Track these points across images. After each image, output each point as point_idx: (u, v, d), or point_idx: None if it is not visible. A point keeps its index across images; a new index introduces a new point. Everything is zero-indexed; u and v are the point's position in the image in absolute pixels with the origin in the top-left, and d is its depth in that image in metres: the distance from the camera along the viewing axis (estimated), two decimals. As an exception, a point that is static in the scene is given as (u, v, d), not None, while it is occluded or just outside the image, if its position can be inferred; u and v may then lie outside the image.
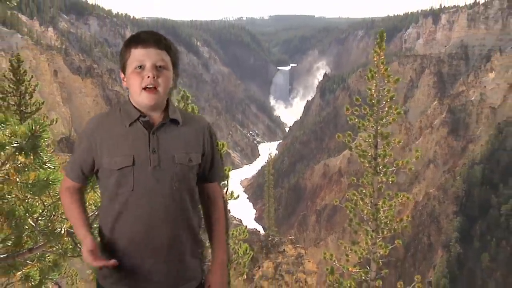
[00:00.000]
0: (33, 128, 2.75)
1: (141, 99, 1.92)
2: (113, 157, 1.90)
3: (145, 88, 1.90)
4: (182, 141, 1.98)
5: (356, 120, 14.65)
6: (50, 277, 3.59)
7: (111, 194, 1.94)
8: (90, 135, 1.96)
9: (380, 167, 14.33)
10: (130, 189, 1.90)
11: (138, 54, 1.90)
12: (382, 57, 14.67)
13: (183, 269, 1.99)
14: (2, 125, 2.82)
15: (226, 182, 13.63)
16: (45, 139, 2.80)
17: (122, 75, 1.99)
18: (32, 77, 16.04)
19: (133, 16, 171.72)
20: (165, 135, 1.95)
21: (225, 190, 13.45)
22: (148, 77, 1.89)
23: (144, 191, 1.90)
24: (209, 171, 2.12)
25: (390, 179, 14.29)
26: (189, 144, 2.00)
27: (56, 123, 18.11)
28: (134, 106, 1.96)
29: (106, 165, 1.92)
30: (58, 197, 3.02)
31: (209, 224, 2.16)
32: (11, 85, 15.11)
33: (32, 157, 2.82)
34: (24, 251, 3.27)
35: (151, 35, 1.93)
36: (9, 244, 3.24)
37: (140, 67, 1.90)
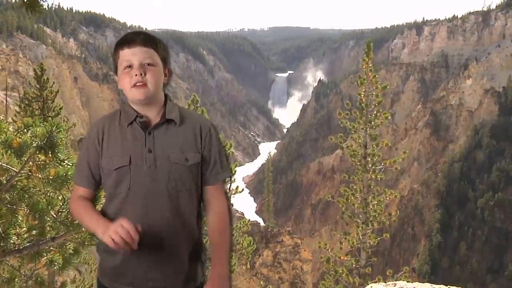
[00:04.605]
0: (50, 129, 2.75)
1: (132, 95, 1.78)
2: (112, 157, 1.78)
3: (134, 85, 1.77)
4: (179, 140, 1.80)
5: (348, 123, 14.64)
6: (72, 261, 3.60)
7: (110, 194, 1.81)
8: (94, 138, 1.83)
9: (370, 165, 14.30)
10: (126, 189, 1.76)
11: (125, 55, 1.78)
12: (371, 65, 14.62)
13: (181, 270, 1.80)
14: (26, 128, 2.85)
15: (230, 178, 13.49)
16: (61, 139, 2.81)
17: (116, 77, 1.86)
18: (54, 83, 15.93)
19: (146, 28, 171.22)
20: (161, 135, 1.80)
21: (228, 186, 13.33)
22: (136, 75, 1.76)
23: (140, 190, 1.76)
24: (206, 173, 1.85)
25: (378, 177, 14.27)
26: (185, 143, 1.80)
27: (75, 126, 18.06)
28: (132, 108, 1.83)
29: (105, 165, 1.79)
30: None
31: (209, 232, 1.87)
32: (35, 91, 15.02)
33: (50, 155, 2.82)
34: (48, 240, 3.29)
35: (137, 35, 1.80)
36: (34, 233, 3.28)
37: (129, 66, 1.77)
